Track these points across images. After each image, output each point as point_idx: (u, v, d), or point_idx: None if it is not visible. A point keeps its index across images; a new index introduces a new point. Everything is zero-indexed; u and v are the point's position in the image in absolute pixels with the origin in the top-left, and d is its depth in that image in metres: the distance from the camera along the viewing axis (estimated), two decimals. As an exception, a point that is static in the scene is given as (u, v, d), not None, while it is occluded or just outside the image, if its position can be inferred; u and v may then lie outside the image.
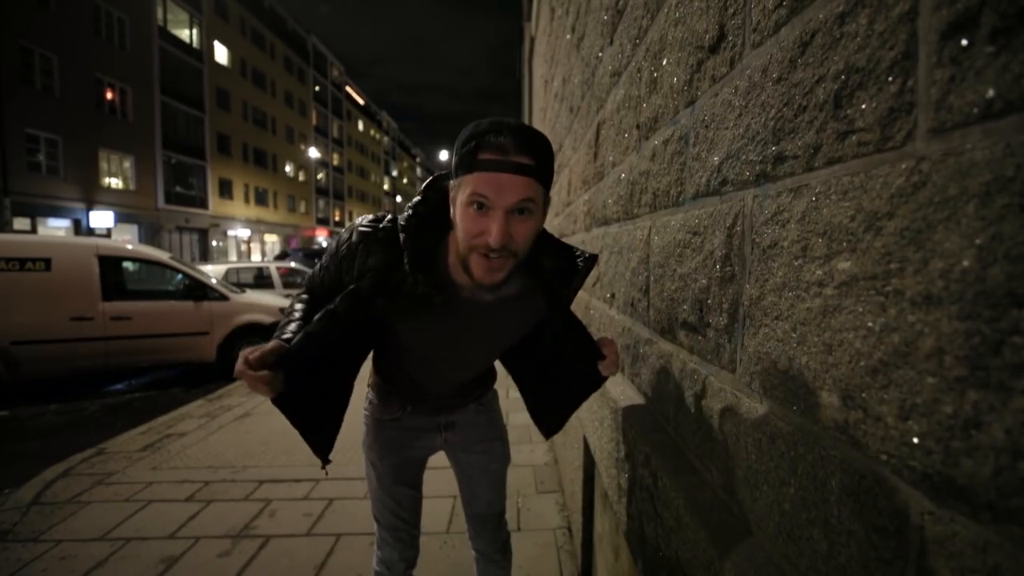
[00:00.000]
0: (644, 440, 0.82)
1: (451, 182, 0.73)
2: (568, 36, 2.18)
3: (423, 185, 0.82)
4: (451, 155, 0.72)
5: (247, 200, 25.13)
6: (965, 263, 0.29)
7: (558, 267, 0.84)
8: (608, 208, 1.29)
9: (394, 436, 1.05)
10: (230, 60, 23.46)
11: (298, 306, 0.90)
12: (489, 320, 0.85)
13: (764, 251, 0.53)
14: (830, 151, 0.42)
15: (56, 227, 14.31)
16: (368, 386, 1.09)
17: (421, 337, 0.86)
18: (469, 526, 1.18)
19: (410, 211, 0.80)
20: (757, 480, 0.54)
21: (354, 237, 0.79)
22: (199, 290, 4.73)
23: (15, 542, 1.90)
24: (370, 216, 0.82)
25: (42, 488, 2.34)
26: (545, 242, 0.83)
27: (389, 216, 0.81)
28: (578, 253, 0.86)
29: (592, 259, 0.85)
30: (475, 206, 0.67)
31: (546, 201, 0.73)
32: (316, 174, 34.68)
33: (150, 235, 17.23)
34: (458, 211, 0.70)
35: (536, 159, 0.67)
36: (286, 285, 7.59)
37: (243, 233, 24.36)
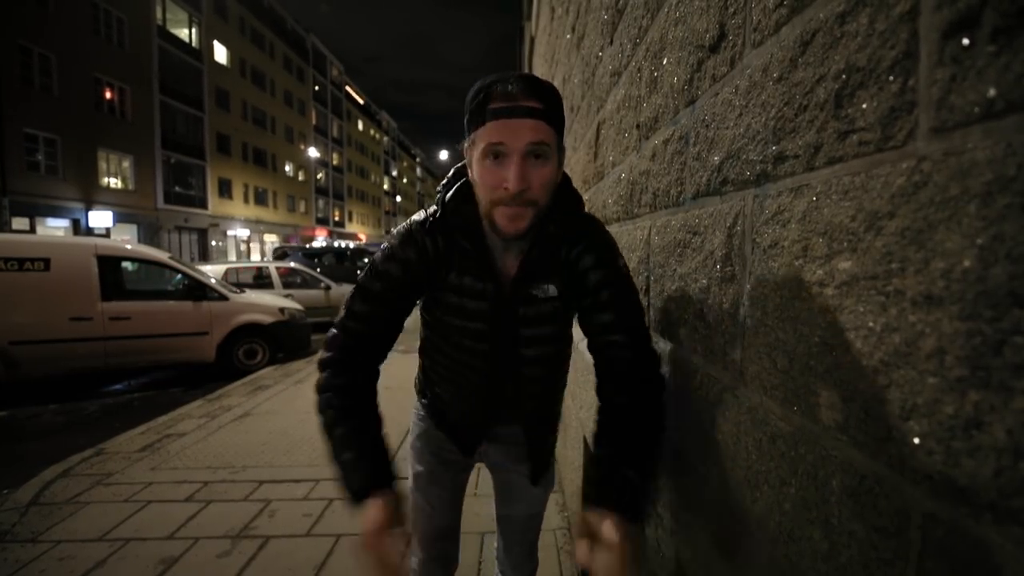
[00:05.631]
0: (644, 440, 0.82)
1: (465, 143, 0.73)
2: (568, 36, 2.18)
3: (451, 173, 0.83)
4: (465, 117, 0.73)
5: (246, 200, 25.13)
6: (966, 263, 0.29)
7: (558, 232, 0.78)
8: (608, 208, 1.29)
9: (432, 435, 0.99)
10: (229, 59, 23.45)
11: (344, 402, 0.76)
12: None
13: (765, 251, 0.53)
14: (831, 151, 0.42)
15: (55, 227, 14.30)
16: (416, 392, 1.03)
17: (469, 317, 0.82)
18: (501, 540, 1.09)
19: (443, 187, 0.81)
20: (757, 480, 0.54)
21: (416, 247, 0.78)
22: (198, 290, 4.73)
23: (14, 543, 1.89)
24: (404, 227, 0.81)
25: (41, 488, 2.34)
26: (561, 202, 0.77)
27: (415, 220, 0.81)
28: (582, 218, 0.80)
29: (587, 220, 0.80)
30: (491, 156, 0.68)
31: (560, 149, 0.73)
32: (316, 174, 34.67)
33: (149, 235, 17.21)
34: (476, 168, 0.71)
35: (545, 103, 0.68)
36: (286, 285, 7.58)
37: (242, 233, 24.35)
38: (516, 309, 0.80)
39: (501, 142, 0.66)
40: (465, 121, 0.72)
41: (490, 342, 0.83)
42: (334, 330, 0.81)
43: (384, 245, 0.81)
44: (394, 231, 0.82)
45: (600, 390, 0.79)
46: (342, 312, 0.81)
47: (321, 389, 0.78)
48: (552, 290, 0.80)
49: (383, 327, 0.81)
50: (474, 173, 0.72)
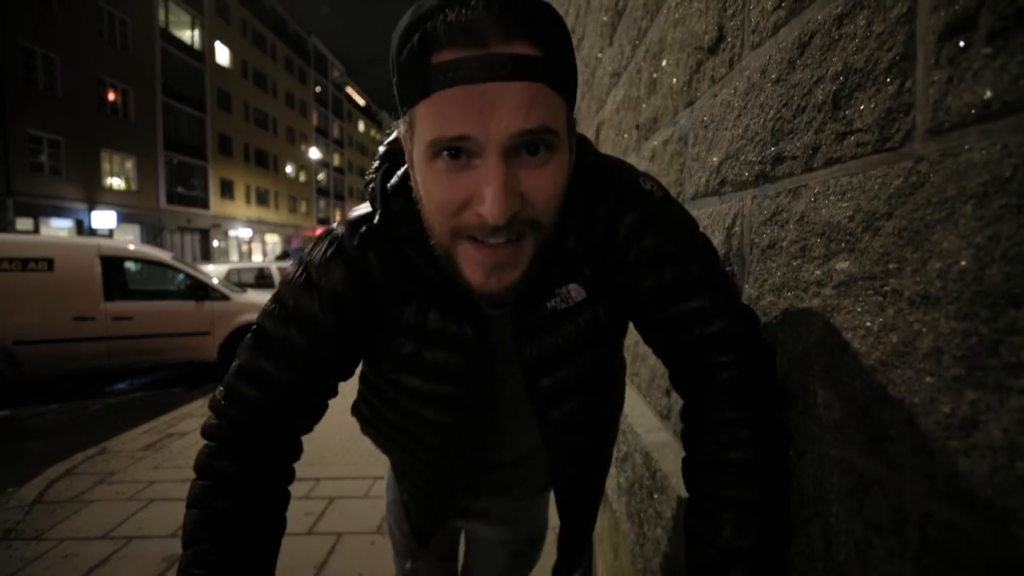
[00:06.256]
0: (643, 439, 0.82)
1: (399, 125, 0.42)
2: (569, 36, 2.18)
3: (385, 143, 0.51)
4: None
5: (248, 200, 25.21)
6: (963, 263, 0.29)
7: (593, 239, 0.47)
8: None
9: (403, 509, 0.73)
10: (231, 61, 23.52)
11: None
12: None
13: (763, 251, 0.53)
14: (829, 152, 0.42)
15: (59, 227, 14.36)
16: None
17: (430, 376, 0.50)
18: None
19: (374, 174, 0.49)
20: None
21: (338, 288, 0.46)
22: (200, 290, 4.74)
23: (18, 540, 1.90)
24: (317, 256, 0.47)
25: (45, 487, 2.35)
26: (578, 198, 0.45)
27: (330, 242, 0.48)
28: (647, 185, 0.48)
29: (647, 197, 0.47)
30: (445, 155, 0.37)
31: (571, 126, 0.41)
32: (317, 174, 34.76)
33: (152, 235, 17.28)
34: (420, 174, 0.40)
35: (544, 46, 0.36)
36: (287, 285, 7.64)
37: (244, 233, 24.42)
38: (523, 346, 0.48)
39: (463, 135, 0.35)
40: (394, 85, 0.40)
41: (460, 415, 0.52)
42: (220, 389, 0.51)
43: (296, 264, 0.49)
44: (315, 245, 0.50)
45: (697, 426, 0.47)
46: (233, 365, 0.51)
47: (200, 470, 0.49)
48: (578, 291, 0.47)
49: (296, 399, 0.50)
50: (417, 182, 0.41)
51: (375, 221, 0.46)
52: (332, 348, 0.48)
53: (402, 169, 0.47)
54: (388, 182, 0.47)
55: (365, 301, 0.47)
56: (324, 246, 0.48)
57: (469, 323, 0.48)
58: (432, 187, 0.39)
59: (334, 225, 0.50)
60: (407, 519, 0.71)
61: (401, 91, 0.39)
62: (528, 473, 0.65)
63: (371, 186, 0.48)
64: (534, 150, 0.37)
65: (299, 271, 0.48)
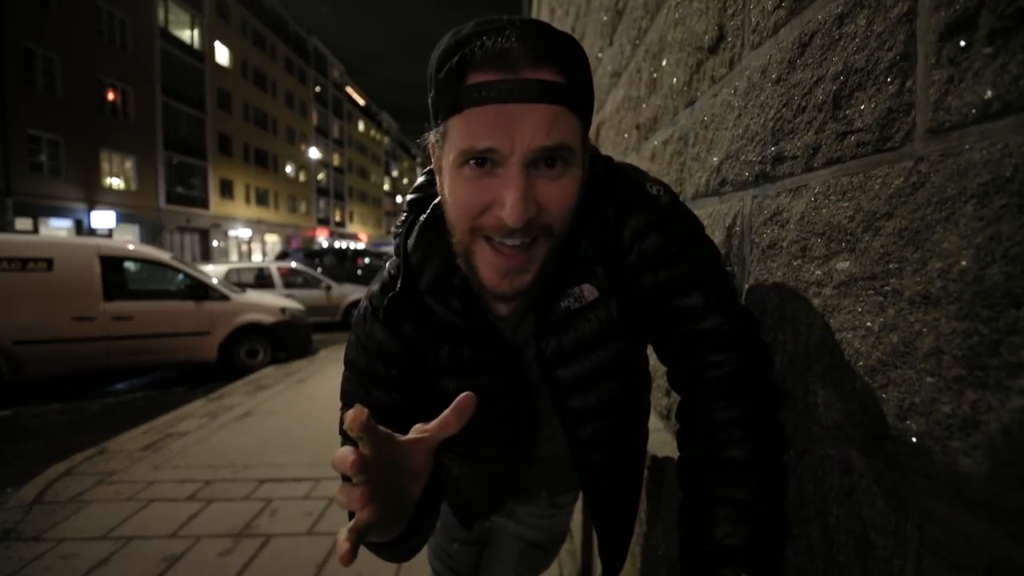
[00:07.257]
0: (644, 440, 0.82)
1: (431, 136, 0.47)
2: (569, 36, 2.18)
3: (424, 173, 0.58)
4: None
5: (248, 200, 25.21)
6: (963, 263, 0.29)
7: (604, 246, 0.51)
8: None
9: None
10: (231, 61, 23.52)
11: None
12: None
13: (763, 251, 0.53)
14: (829, 151, 0.42)
15: (58, 227, 14.36)
16: None
17: (485, 399, 0.50)
18: None
19: (405, 211, 0.56)
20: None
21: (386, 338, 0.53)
22: (200, 290, 4.74)
23: (18, 541, 1.90)
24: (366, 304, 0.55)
25: (44, 487, 2.35)
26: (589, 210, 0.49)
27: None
28: (654, 189, 0.52)
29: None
30: (472, 163, 0.42)
31: (586, 147, 0.46)
32: (316, 174, 34.77)
33: (151, 235, 17.28)
34: (447, 180, 0.45)
35: (567, 73, 0.42)
36: (287, 285, 7.61)
37: (244, 233, 24.41)
38: (540, 342, 0.53)
39: (491, 148, 0.41)
40: (430, 99, 0.45)
41: (515, 425, 0.59)
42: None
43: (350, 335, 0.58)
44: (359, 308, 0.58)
45: (690, 426, 0.49)
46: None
47: None
48: (591, 291, 0.51)
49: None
50: (444, 186, 0.46)
51: (400, 283, 0.52)
52: (399, 386, 0.55)
53: (416, 229, 0.54)
54: (409, 239, 0.53)
55: (407, 351, 0.54)
56: (362, 310, 0.56)
57: (499, 353, 0.55)
58: (458, 190, 0.44)
59: (368, 292, 0.57)
60: (450, 507, 0.77)
61: (437, 104, 0.44)
62: (554, 474, 0.72)
63: (397, 241, 0.55)
64: (551, 163, 0.43)
65: (351, 336, 0.57)
